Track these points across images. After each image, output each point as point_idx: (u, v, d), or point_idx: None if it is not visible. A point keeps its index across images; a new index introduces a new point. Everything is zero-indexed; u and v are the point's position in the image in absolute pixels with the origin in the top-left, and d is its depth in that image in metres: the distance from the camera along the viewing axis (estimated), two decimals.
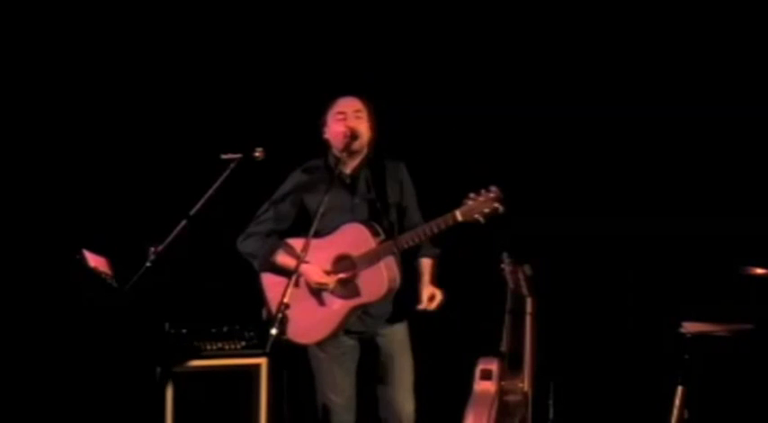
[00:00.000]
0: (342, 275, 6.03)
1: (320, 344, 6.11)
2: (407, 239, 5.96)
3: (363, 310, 6.05)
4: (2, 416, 7.15)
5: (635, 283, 7.22)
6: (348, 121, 6.13)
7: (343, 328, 6.06)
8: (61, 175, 7.73)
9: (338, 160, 6.12)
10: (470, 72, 7.62)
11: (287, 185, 6.26)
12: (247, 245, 6.23)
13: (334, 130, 6.15)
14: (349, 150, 6.11)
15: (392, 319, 6.10)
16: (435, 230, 5.92)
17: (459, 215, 5.86)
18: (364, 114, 6.16)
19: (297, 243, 6.06)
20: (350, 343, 6.13)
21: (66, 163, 7.75)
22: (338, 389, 6.12)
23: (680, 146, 7.34)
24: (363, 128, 6.14)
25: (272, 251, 6.17)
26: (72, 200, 7.69)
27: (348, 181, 6.17)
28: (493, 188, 5.85)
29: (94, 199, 7.71)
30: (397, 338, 6.11)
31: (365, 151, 6.17)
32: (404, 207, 6.14)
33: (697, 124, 7.28)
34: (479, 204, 5.84)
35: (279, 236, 6.20)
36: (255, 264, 6.22)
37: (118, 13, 7.79)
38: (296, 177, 6.26)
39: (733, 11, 7.26)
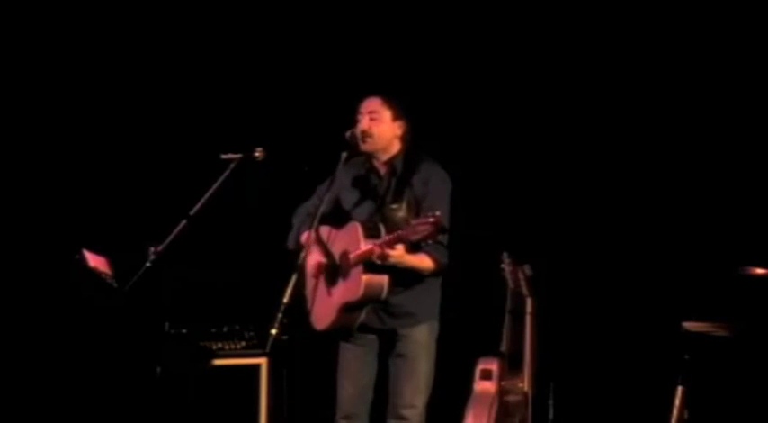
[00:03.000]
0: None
1: (343, 336, 6.11)
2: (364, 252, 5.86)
3: (381, 307, 6.00)
4: (2, 416, 7.15)
5: (635, 282, 7.21)
6: (361, 122, 6.07)
7: (353, 324, 6.01)
8: (61, 174, 7.74)
9: (367, 158, 6.12)
10: None
11: (332, 178, 6.13)
12: (295, 217, 6.24)
13: None
14: (359, 150, 6.05)
15: (413, 322, 6.05)
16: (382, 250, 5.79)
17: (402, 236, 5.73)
18: (380, 115, 6.05)
19: (324, 231, 6.05)
20: (371, 338, 6.11)
21: (66, 163, 7.76)
22: (353, 378, 6.12)
23: (680, 145, 7.34)
24: (377, 129, 6.04)
25: (301, 232, 6.15)
26: (72, 200, 7.69)
27: (375, 181, 6.12)
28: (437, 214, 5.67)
29: (94, 199, 7.72)
30: (414, 340, 6.05)
31: (394, 151, 6.09)
32: (424, 207, 5.93)
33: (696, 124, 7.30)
34: (419, 226, 5.65)
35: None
36: (290, 237, 6.22)
37: (118, 13, 7.80)
38: (338, 171, 6.08)
39: None
